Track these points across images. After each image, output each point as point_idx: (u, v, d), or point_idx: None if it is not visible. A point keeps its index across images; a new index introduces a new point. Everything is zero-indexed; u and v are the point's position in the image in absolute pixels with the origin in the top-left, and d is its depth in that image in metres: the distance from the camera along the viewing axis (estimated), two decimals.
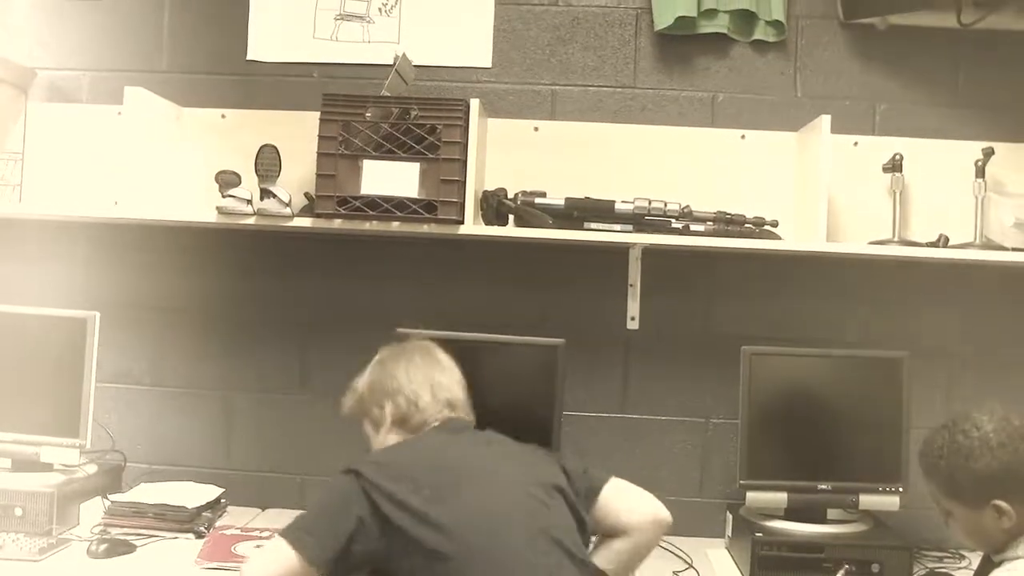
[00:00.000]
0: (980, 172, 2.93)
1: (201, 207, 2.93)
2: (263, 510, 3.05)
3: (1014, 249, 2.85)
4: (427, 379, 2.35)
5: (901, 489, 2.78)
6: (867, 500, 2.79)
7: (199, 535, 2.73)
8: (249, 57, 3.16)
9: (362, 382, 2.42)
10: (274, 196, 2.81)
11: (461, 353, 2.46)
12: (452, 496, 2.04)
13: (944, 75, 3.09)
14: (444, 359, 2.42)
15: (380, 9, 3.14)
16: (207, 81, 3.16)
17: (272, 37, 3.16)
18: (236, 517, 2.91)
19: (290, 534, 2.01)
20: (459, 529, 1.99)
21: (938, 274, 3.01)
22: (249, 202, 2.81)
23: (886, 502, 2.79)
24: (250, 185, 2.85)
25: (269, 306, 3.14)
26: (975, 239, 2.91)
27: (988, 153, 2.91)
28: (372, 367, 2.44)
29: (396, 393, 2.34)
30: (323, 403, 3.04)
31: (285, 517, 2.85)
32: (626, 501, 2.25)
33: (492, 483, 2.13)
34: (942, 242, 2.88)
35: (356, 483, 2.04)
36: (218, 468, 3.11)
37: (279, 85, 3.14)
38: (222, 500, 2.93)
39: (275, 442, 3.13)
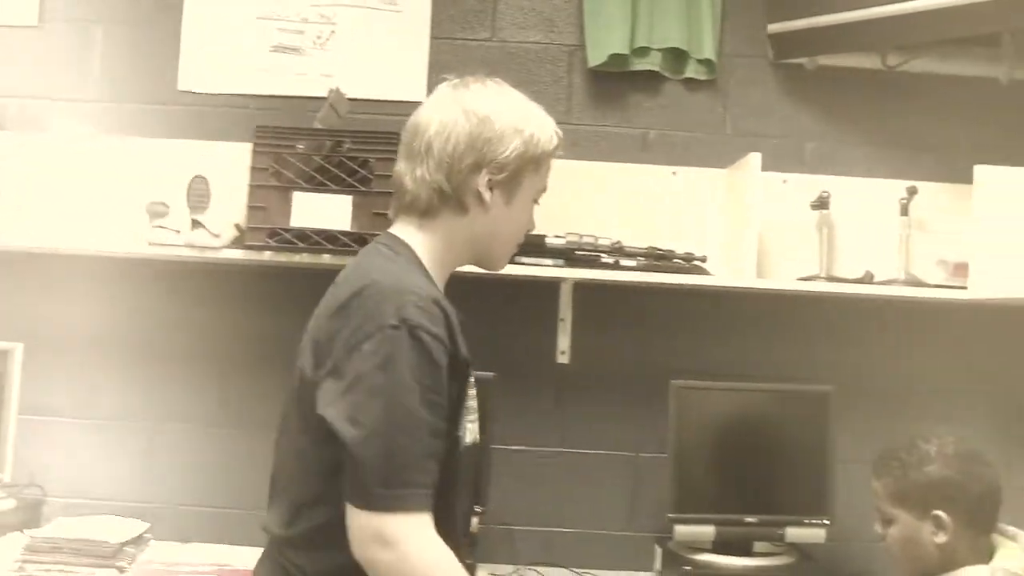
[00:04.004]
0: (904, 210, 2.98)
1: (130, 238, 2.90)
2: (185, 543, 2.95)
3: (937, 286, 2.91)
4: None
5: (827, 522, 2.81)
6: (793, 533, 2.81)
7: (121, 571, 2.66)
8: (181, 87, 3.14)
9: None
10: (204, 227, 2.79)
11: None
12: None
13: (871, 115, 3.16)
14: None
15: (314, 42, 3.14)
16: (138, 110, 3.12)
17: (205, 67, 3.14)
18: (159, 551, 2.85)
19: None
20: None
21: (864, 310, 3.05)
22: (178, 233, 2.79)
23: (812, 535, 2.81)
24: (180, 216, 2.82)
25: (194, 338, 3.09)
26: (900, 275, 2.97)
27: (912, 192, 2.97)
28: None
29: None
30: (247, 435, 2.99)
31: (208, 551, 2.84)
32: None
33: None
34: (868, 278, 2.93)
35: None
36: (140, 502, 3.04)
37: (212, 116, 3.12)
38: (145, 535, 2.87)
39: (198, 475, 3.06)
